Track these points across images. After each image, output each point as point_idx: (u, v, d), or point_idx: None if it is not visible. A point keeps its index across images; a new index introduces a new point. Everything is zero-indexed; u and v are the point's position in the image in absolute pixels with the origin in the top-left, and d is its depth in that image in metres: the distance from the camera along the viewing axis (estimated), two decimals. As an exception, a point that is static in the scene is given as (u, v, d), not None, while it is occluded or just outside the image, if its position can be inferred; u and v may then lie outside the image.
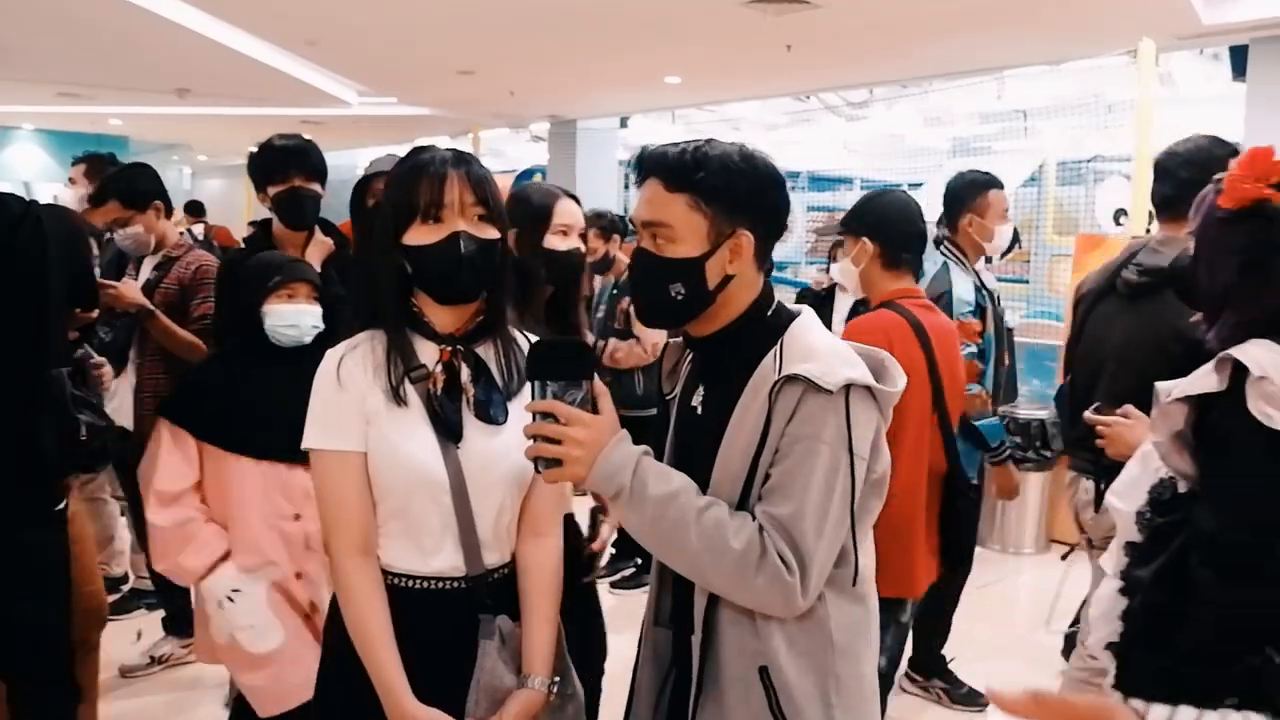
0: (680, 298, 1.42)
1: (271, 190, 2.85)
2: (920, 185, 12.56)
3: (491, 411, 1.52)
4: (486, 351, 1.58)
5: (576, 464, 1.34)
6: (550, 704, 1.56)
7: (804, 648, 1.39)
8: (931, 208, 6.88)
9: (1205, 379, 1.46)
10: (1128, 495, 1.68)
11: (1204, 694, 1.36)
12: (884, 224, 2.80)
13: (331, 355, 1.53)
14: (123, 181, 3.43)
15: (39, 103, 11.09)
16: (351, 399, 1.48)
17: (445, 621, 1.52)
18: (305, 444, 1.51)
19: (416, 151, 1.55)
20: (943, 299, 3.29)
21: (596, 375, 1.41)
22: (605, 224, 4.94)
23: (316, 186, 2.87)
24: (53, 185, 8.17)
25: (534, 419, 1.35)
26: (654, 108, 11.25)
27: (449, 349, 1.54)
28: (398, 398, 1.48)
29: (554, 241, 2.28)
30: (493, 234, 1.53)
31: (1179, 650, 1.44)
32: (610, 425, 1.37)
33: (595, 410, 1.38)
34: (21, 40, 7.76)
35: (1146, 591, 1.53)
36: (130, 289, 3.26)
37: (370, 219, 1.62)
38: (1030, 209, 9.27)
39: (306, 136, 2.98)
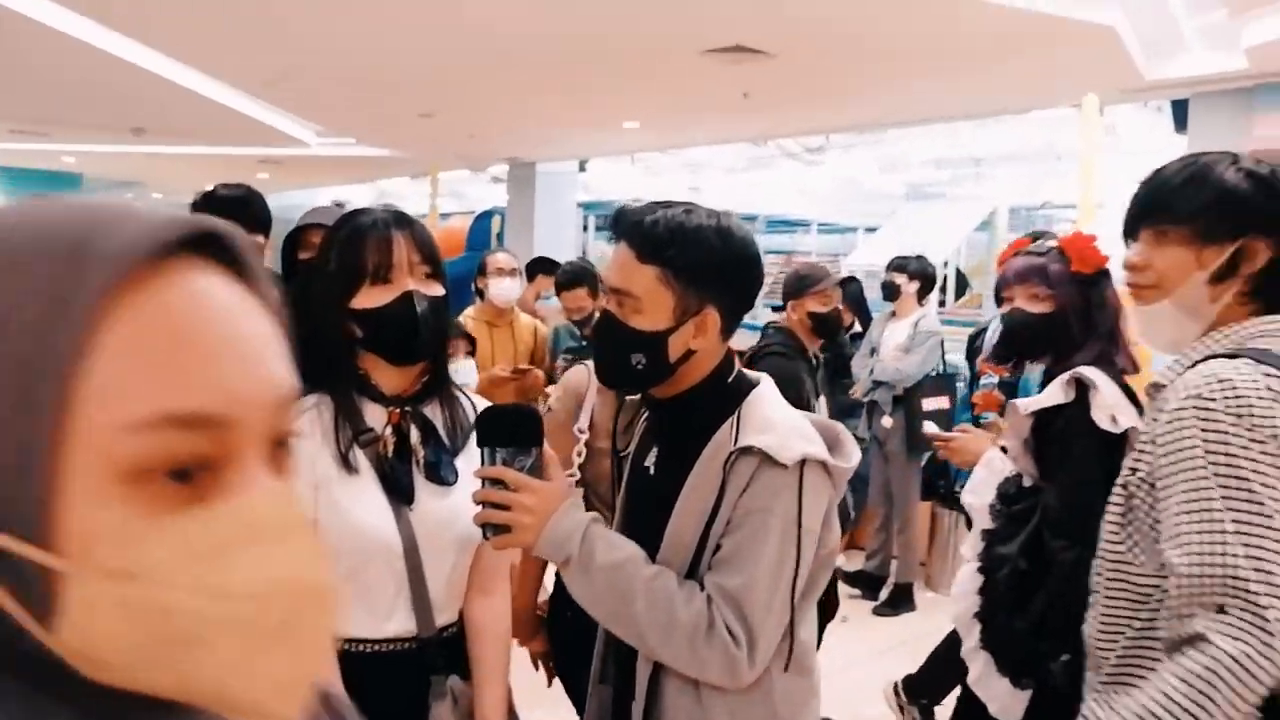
0: (640, 367, 1.40)
1: None
2: (876, 229, 12.76)
3: (442, 473, 1.52)
4: (433, 411, 1.57)
5: (525, 531, 1.33)
6: None
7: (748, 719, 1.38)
8: (886, 252, 6.96)
9: (1056, 394, 2.05)
10: (979, 493, 2.25)
11: (1051, 650, 1.89)
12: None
13: None
14: None
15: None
16: (299, 465, 1.46)
17: (397, 683, 1.49)
18: None
19: (353, 215, 1.53)
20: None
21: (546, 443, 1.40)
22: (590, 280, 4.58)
23: (259, 237, 2.82)
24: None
25: (483, 485, 1.34)
26: (613, 152, 11.35)
27: (398, 411, 1.53)
28: (347, 464, 1.46)
29: None
30: (440, 291, 1.53)
31: (1034, 611, 1.97)
32: (559, 492, 1.36)
33: (545, 477, 1.37)
34: (-28, 77, 7.67)
35: (1013, 562, 2.05)
36: None
37: (306, 273, 1.58)
38: (982, 254, 9.45)
39: (252, 185, 2.95)
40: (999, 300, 2.39)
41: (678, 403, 1.46)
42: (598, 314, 1.57)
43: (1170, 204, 1.47)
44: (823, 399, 2.96)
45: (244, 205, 2.84)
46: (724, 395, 1.44)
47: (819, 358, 3.22)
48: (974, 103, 7.55)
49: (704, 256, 1.38)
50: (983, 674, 2.10)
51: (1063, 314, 2.19)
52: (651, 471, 1.50)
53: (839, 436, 1.44)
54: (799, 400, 2.72)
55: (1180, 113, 6.88)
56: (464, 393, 1.64)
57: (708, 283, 1.39)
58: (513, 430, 1.37)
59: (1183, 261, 1.45)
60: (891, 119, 8.59)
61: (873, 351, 5.29)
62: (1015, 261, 2.31)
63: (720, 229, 1.39)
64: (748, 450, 1.34)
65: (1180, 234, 1.46)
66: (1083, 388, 2.03)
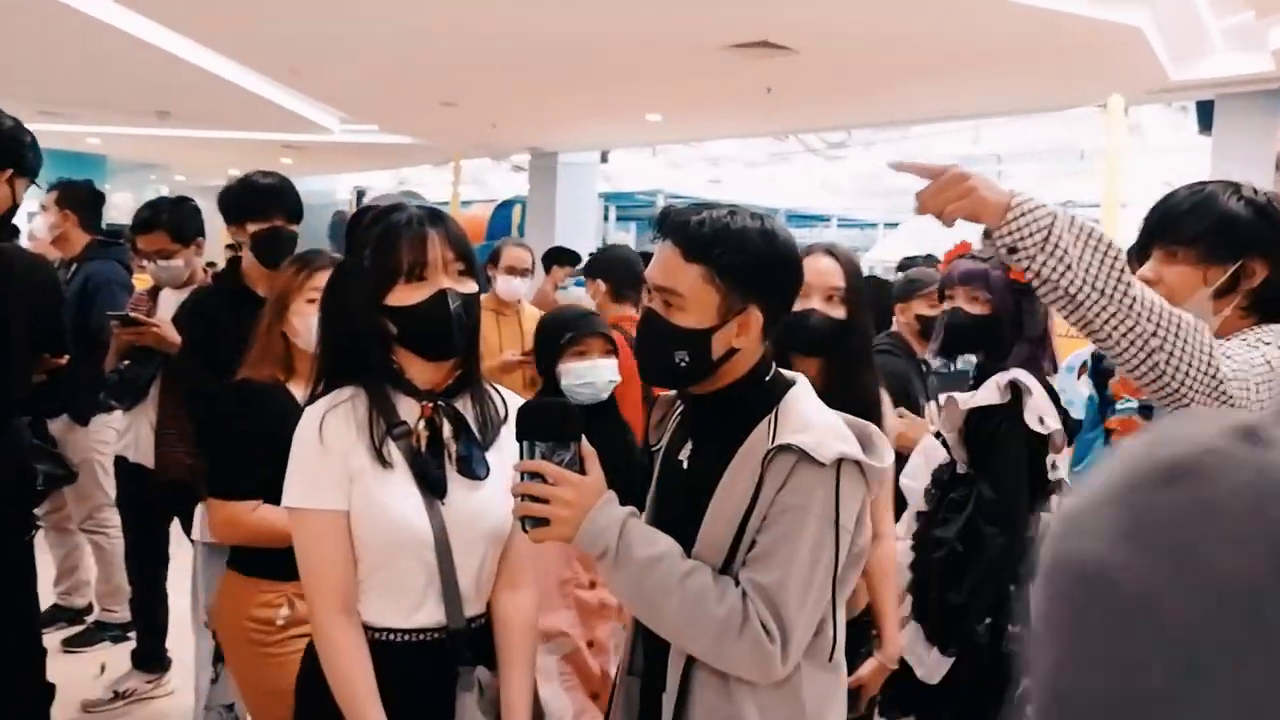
0: (683, 365, 1.43)
1: (252, 228, 2.82)
2: (896, 225, 12.71)
3: (473, 467, 1.54)
4: (464, 406, 1.60)
5: (563, 524, 1.36)
6: None
7: (776, 715, 1.40)
8: (907, 248, 6.94)
9: (992, 394, 2.30)
10: (916, 477, 2.48)
11: (977, 618, 2.24)
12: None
13: (312, 413, 1.53)
14: (175, 216, 3.44)
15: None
16: (334, 458, 1.49)
17: (424, 673, 1.52)
18: (286, 503, 1.52)
19: (386, 212, 1.55)
20: None
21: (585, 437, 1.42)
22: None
23: (295, 227, 2.87)
24: (28, 202, 8.11)
25: (522, 478, 1.37)
26: (635, 143, 11.35)
27: (430, 405, 1.55)
28: (381, 458, 1.49)
29: None
30: (473, 288, 1.56)
31: (967, 587, 2.26)
32: (597, 487, 1.39)
33: (583, 471, 1.39)
34: (3, 58, 7.74)
35: (950, 545, 2.30)
36: (171, 332, 3.24)
37: (339, 269, 1.61)
38: (1003, 252, 9.40)
39: (283, 172, 2.96)
40: (941, 298, 2.62)
41: (715, 399, 1.48)
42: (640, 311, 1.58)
43: (1178, 228, 1.63)
44: (932, 404, 2.86)
45: (283, 195, 2.85)
46: (761, 393, 1.46)
47: (928, 363, 3.13)
48: (998, 101, 7.53)
49: (748, 257, 1.40)
50: (912, 642, 2.34)
51: (998, 317, 2.44)
52: (685, 466, 1.52)
53: (872, 437, 1.46)
54: (907, 400, 2.75)
55: (1205, 113, 6.83)
56: (494, 387, 1.67)
57: (751, 282, 1.42)
58: (552, 424, 1.39)
59: (1189, 278, 1.61)
60: (914, 116, 8.56)
61: None
62: (960, 264, 2.54)
63: (764, 231, 1.42)
64: (786, 448, 1.35)
65: (1187, 254, 1.61)
66: (1017, 391, 2.29)
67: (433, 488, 1.51)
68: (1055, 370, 2.44)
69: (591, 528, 1.35)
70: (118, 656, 3.81)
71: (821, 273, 2.08)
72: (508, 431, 1.61)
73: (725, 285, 1.40)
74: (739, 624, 1.33)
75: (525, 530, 1.39)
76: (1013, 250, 1.40)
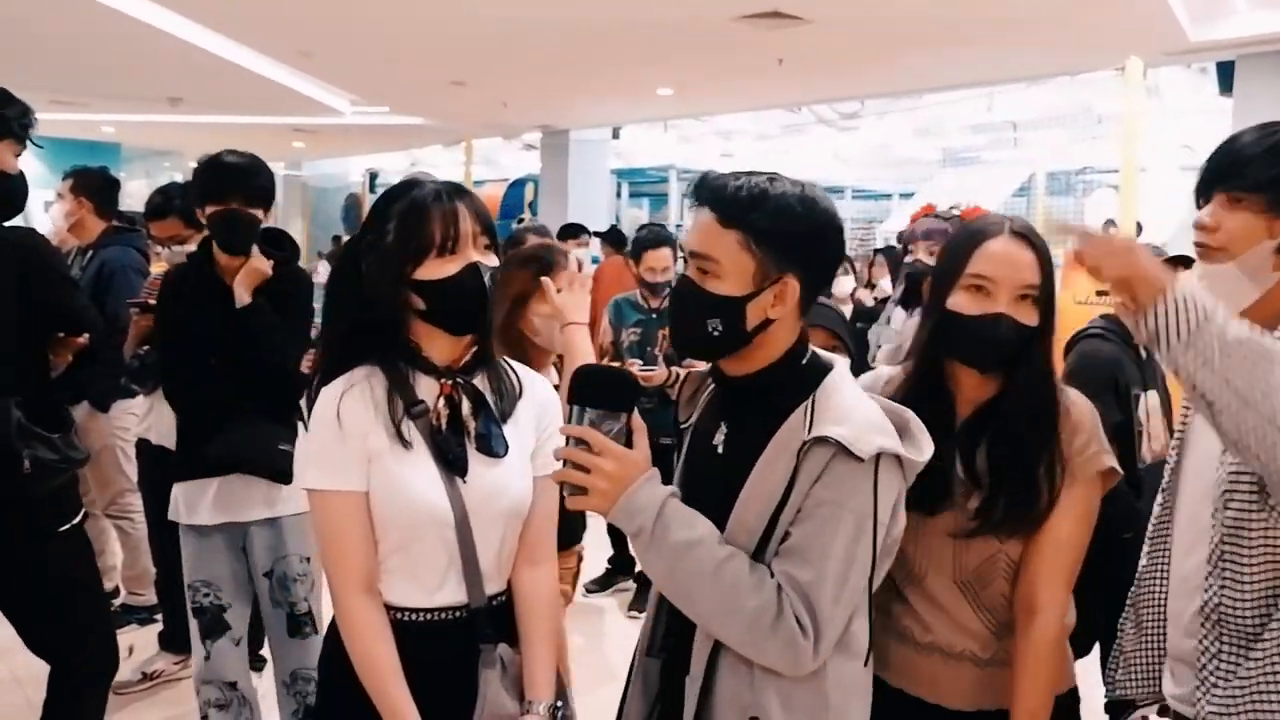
0: (716, 334, 1.38)
1: (209, 209, 2.58)
2: (911, 195, 12.62)
3: (492, 445, 1.53)
4: (481, 382, 1.59)
5: (600, 496, 1.33)
6: None
7: (799, 705, 1.37)
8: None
9: None
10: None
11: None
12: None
13: (329, 393, 1.52)
14: (188, 201, 3.38)
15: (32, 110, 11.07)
16: (353, 439, 1.49)
17: (446, 652, 1.52)
18: (305, 484, 1.51)
19: (407, 187, 1.53)
20: None
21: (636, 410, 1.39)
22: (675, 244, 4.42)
23: (258, 211, 2.62)
24: (44, 191, 8.21)
25: (568, 442, 1.35)
26: (646, 119, 11.29)
27: (449, 382, 1.54)
28: (401, 437, 1.49)
29: None
30: (495, 262, 1.54)
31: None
32: (641, 462, 1.35)
33: (630, 444, 1.36)
34: (16, 48, 7.76)
35: None
36: None
37: (351, 247, 1.55)
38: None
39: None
40: (905, 252, 2.72)
41: (750, 382, 1.44)
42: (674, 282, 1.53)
43: (1246, 171, 1.48)
44: (1152, 393, 2.62)
45: (247, 175, 2.61)
46: (798, 378, 1.41)
47: (1147, 349, 2.86)
48: (1013, 67, 7.43)
49: (787, 223, 1.35)
50: None
51: None
52: (719, 450, 1.47)
53: (910, 425, 1.40)
54: (1113, 387, 2.51)
55: (1226, 75, 6.72)
56: (508, 362, 1.66)
57: (789, 250, 1.36)
58: (606, 392, 1.36)
59: (1252, 228, 1.47)
60: (928, 84, 8.47)
61: (888, 321, 5.25)
62: (923, 222, 2.72)
63: (804, 198, 1.37)
64: (823, 440, 1.31)
65: (1253, 201, 1.47)
66: None
67: (453, 466, 1.50)
68: None
69: (629, 504, 1.33)
70: (145, 639, 3.85)
71: (1015, 265, 1.59)
72: (523, 406, 1.60)
73: (762, 252, 1.35)
74: (773, 617, 1.30)
75: (563, 495, 1.36)
76: (1155, 337, 1.32)
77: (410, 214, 1.49)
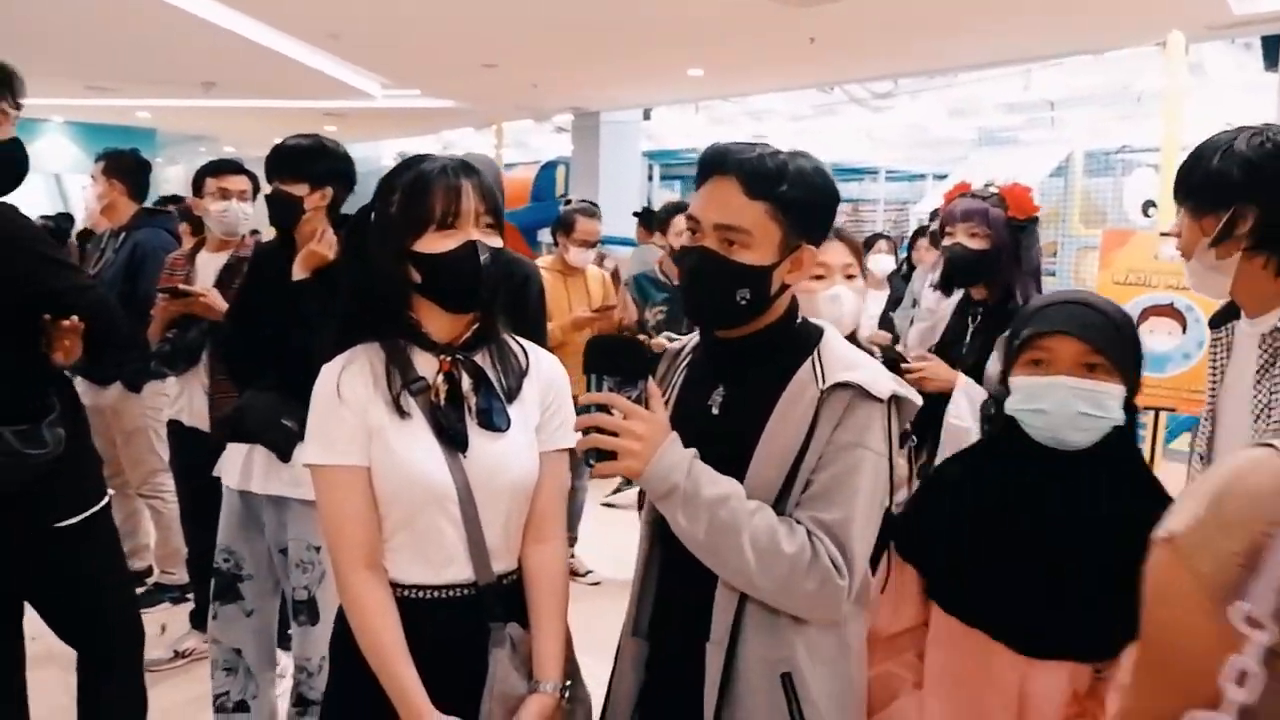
0: (744, 303, 1.43)
1: (265, 190, 2.67)
2: (945, 176, 12.44)
3: (494, 419, 1.53)
4: (484, 359, 1.58)
5: (634, 458, 1.35)
6: (562, 707, 1.57)
7: (824, 655, 1.42)
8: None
9: None
10: (964, 418, 2.49)
11: None
12: None
13: (329, 369, 1.53)
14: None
15: (68, 96, 11.22)
16: (353, 413, 1.49)
17: (455, 630, 1.52)
18: (305, 460, 1.52)
19: (416, 161, 1.53)
20: None
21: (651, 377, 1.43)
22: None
23: (297, 189, 2.59)
24: (82, 177, 8.34)
25: (589, 411, 1.36)
26: (677, 100, 11.22)
27: (448, 359, 1.54)
28: (400, 410, 1.49)
29: None
30: (499, 243, 1.54)
31: None
32: (665, 425, 1.39)
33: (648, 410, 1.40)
34: (52, 35, 7.84)
35: None
36: (218, 299, 3.27)
37: (359, 220, 1.54)
38: (1057, 200, 9.16)
39: (327, 141, 2.80)
40: (942, 234, 2.73)
41: (749, 343, 1.48)
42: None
43: (1180, 186, 1.72)
44: None
45: (297, 157, 2.62)
46: (797, 336, 1.48)
47: None
48: (1051, 44, 7.29)
49: (810, 194, 1.42)
50: None
51: (997, 252, 2.61)
52: (715, 412, 1.49)
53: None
54: None
55: (1271, 49, 6.55)
56: (515, 339, 1.64)
57: (808, 219, 1.44)
58: (623, 360, 1.41)
59: (1193, 231, 1.68)
60: (962, 62, 8.34)
61: (914, 303, 5.20)
62: (961, 202, 2.68)
63: (818, 169, 1.45)
64: (843, 385, 1.38)
65: (1188, 209, 1.70)
66: None
67: (453, 440, 1.50)
68: None
69: (661, 464, 1.36)
70: (178, 617, 3.91)
71: None
72: (529, 384, 1.60)
73: (787, 222, 1.42)
74: (808, 560, 1.34)
75: (588, 464, 1.38)
76: None
77: (414, 186, 1.50)
